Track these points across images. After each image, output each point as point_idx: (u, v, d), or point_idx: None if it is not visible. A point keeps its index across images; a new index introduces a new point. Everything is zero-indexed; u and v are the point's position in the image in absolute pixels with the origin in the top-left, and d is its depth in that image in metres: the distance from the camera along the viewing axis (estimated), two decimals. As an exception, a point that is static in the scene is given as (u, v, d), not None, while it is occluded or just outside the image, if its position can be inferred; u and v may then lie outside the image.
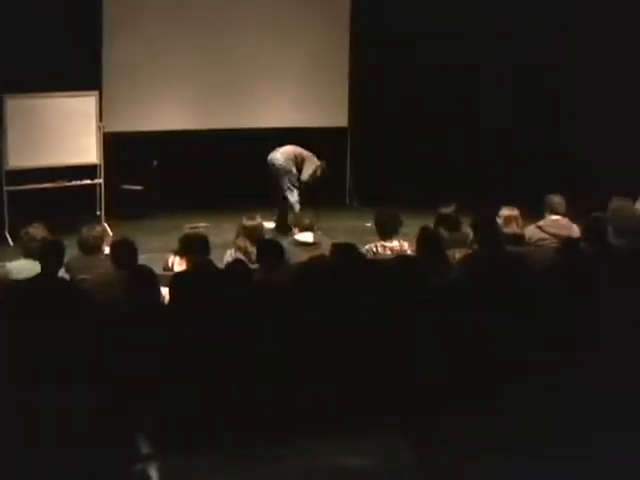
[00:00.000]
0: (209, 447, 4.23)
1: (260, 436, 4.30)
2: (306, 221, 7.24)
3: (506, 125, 11.57)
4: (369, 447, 4.28)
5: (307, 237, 7.12)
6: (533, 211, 7.63)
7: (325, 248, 6.79)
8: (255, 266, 6.32)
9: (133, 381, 4.45)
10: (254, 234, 6.96)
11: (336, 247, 5.99)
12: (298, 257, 6.35)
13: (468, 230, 6.99)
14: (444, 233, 6.99)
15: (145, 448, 4.28)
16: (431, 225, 7.15)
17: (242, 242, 6.83)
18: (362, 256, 6.15)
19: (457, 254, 6.39)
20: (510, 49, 11.36)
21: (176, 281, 5.53)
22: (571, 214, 7.49)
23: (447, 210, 7.31)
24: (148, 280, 5.27)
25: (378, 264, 6.29)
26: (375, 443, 4.29)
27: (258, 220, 7.18)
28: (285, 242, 7.02)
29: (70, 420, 4.23)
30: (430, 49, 11.66)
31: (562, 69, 11.04)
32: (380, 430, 4.33)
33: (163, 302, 5.37)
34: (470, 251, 6.46)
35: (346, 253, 5.82)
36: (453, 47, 11.54)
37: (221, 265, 6.23)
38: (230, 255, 6.78)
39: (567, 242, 6.31)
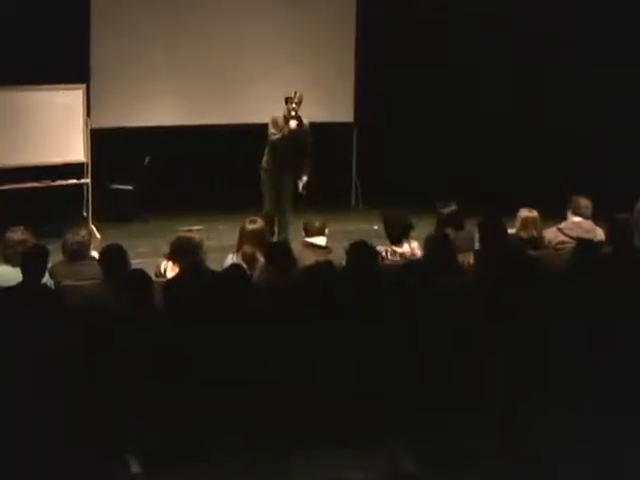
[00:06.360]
0: (204, 462, 4.30)
1: (261, 450, 4.37)
2: (316, 224, 7.33)
3: (516, 121, 11.93)
4: (372, 460, 4.37)
5: (320, 241, 7.23)
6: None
7: (336, 254, 6.88)
8: (257, 273, 6.42)
9: (122, 393, 4.52)
10: (259, 238, 7.05)
11: (353, 247, 6.13)
12: (308, 261, 6.42)
13: (472, 229, 7.18)
14: (450, 232, 7.09)
15: (135, 467, 4.36)
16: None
17: (250, 248, 6.86)
18: (377, 257, 6.30)
19: (461, 257, 6.49)
20: (513, 44, 11.80)
21: (168, 288, 5.61)
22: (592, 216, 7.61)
23: (449, 210, 7.44)
24: (143, 285, 5.39)
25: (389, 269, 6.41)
26: (378, 456, 4.37)
27: (260, 223, 7.28)
28: (295, 245, 7.14)
29: (57, 437, 4.31)
30: (436, 45, 12.00)
31: (562, 68, 11.62)
32: (383, 443, 4.41)
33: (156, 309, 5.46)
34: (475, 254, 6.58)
35: (362, 254, 5.98)
36: (460, 44, 11.91)
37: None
38: (232, 260, 6.84)
39: (584, 245, 6.38)
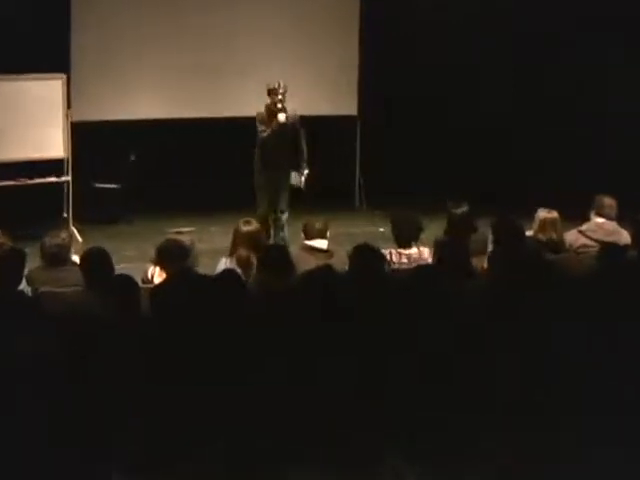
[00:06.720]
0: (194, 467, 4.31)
1: (252, 469, 4.36)
2: (317, 226, 7.29)
3: (516, 122, 12.36)
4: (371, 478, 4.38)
5: (321, 243, 7.19)
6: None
7: (339, 258, 6.85)
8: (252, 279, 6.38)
9: (106, 404, 4.50)
10: (254, 241, 7.00)
11: (356, 250, 6.10)
12: (307, 265, 6.38)
13: (485, 231, 7.27)
14: (462, 235, 7.08)
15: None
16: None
17: (244, 252, 6.82)
18: (383, 262, 6.29)
19: (474, 261, 6.45)
20: (513, 44, 12.39)
21: (155, 295, 5.56)
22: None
23: (460, 210, 7.41)
24: (129, 292, 5.37)
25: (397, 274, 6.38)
26: (377, 474, 4.38)
27: (256, 225, 7.23)
28: (293, 248, 7.12)
29: (35, 452, 4.27)
30: (436, 45, 12.48)
31: (562, 68, 12.28)
32: (382, 460, 4.42)
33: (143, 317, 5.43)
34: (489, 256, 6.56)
35: (366, 258, 5.96)
36: (460, 43, 12.42)
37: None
38: (225, 264, 6.82)
39: (608, 249, 6.34)
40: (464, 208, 7.47)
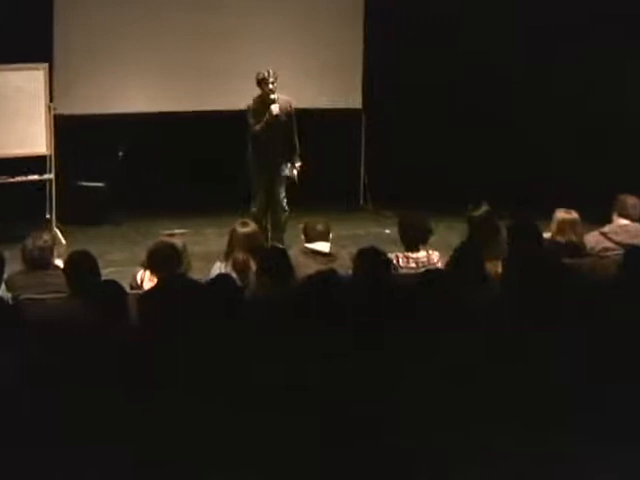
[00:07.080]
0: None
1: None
2: (319, 227, 7.27)
3: (542, 110, 12.40)
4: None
5: (322, 246, 7.16)
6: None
7: (342, 262, 6.84)
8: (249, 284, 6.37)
9: (90, 417, 4.48)
10: (252, 243, 6.96)
11: (361, 254, 6.07)
12: (308, 270, 6.37)
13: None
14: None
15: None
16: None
17: (242, 255, 6.80)
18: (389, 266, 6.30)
19: (489, 266, 6.43)
20: (529, 31, 12.36)
21: (145, 301, 5.55)
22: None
23: (479, 212, 7.37)
24: (116, 298, 5.36)
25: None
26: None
27: (254, 226, 7.24)
28: (292, 251, 7.11)
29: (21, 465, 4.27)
30: (450, 32, 12.47)
31: (571, 68, 12.31)
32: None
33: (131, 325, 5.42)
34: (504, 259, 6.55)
35: (371, 262, 5.93)
36: (473, 31, 12.40)
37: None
38: (220, 269, 6.80)
39: (633, 252, 6.32)
40: (484, 209, 7.42)
